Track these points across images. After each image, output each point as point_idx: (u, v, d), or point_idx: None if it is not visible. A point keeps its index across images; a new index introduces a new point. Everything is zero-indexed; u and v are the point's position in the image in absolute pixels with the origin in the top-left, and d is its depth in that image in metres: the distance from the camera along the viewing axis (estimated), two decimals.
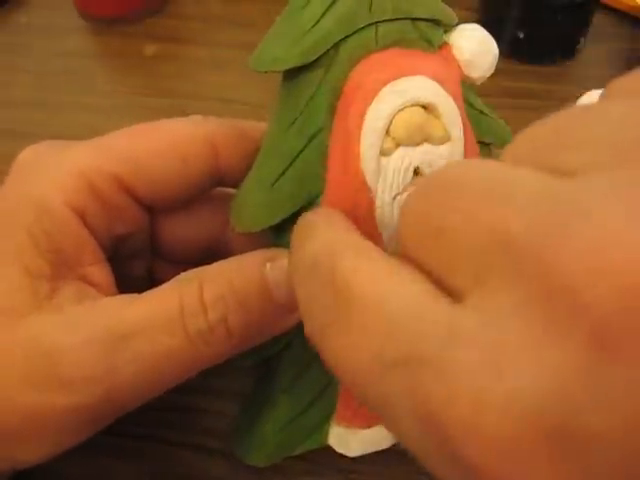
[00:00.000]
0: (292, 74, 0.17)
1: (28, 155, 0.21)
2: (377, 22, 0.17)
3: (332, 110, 0.17)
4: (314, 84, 0.17)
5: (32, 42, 0.44)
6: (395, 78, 0.17)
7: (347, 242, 0.13)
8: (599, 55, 0.41)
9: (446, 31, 0.18)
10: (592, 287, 0.08)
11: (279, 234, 0.19)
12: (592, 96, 0.17)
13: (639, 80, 0.12)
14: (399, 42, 0.17)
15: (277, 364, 0.21)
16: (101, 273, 0.20)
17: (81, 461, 0.23)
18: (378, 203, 0.17)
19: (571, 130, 0.11)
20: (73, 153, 0.20)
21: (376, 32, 0.17)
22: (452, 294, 0.11)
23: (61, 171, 0.19)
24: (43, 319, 0.18)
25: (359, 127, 0.17)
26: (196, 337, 0.17)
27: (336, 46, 0.17)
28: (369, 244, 0.13)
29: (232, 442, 0.23)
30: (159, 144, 0.20)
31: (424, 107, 0.17)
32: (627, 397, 0.08)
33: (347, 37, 0.17)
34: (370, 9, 0.17)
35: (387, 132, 0.17)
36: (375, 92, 0.17)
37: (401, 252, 0.13)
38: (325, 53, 0.17)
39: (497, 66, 0.19)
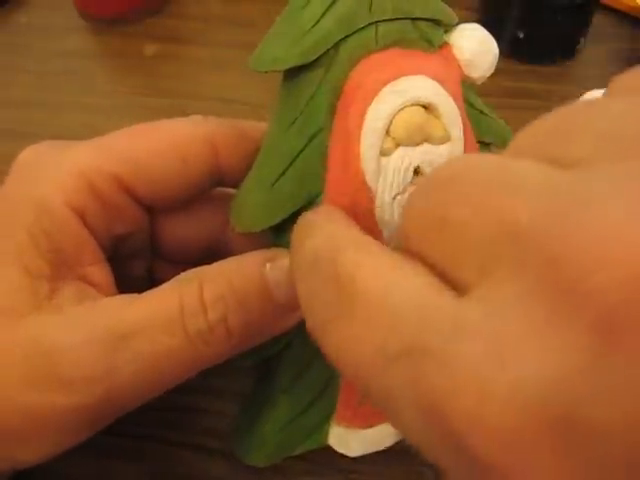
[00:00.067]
0: (292, 74, 0.17)
1: (28, 155, 0.21)
2: (377, 22, 0.17)
3: (332, 110, 0.17)
4: (314, 84, 0.17)
5: (32, 42, 0.44)
6: (395, 78, 0.17)
7: (348, 237, 0.13)
8: (599, 55, 0.41)
9: (446, 31, 0.18)
10: (594, 278, 0.08)
11: (279, 234, 0.19)
12: (593, 96, 0.17)
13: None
14: (399, 42, 0.17)
15: (277, 364, 0.21)
16: (101, 273, 0.20)
17: (81, 461, 0.23)
18: (378, 203, 0.17)
19: (573, 124, 0.11)
20: (73, 153, 0.20)
21: (376, 32, 0.17)
22: (456, 287, 0.11)
23: (61, 171, 0.19)
24: (43, 319, 0.18)
25: (359, 127, 0.17)
26: (196, 337, 0.17)
27: (336, 46, 0.17)
28: (370, 239, 0.13)
29: (232, 442, 0.23)
30: (159, 144, 0.20)
31: (424, 107, 0.17)
32: (628, 390, 0.08)
33: (347, 37, 0.17)
34: (370, 9, 0.17)
35: (387, 132, 0.17)
36: (375, 92, 0.17)
37: (404, 247, 0.13)
38: (325, 53, 0.17)
39: (497, 66, 0.19)
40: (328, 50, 0.17)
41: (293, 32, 0.17)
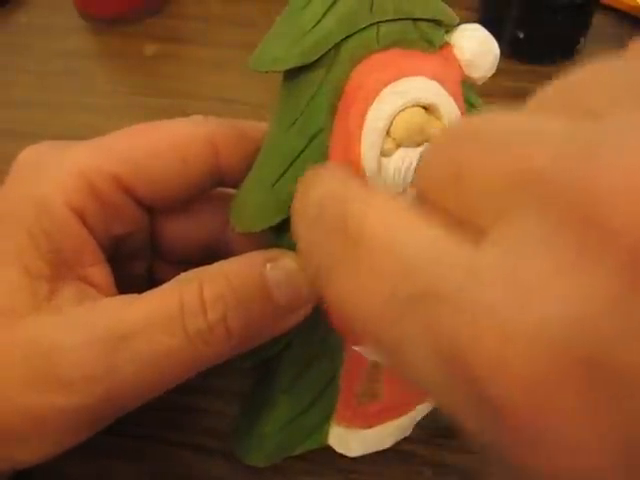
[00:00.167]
0: (293, 74, 0.17)
1: (28, 155, 0.21)
2: (378, 22, 0.17)
3: (333, 110, 0.17)
4: (315, 84, 0.17)
5: (32, 42, 0.44)
6: (396, 79, 0.17)
7: (357, 188, 0.13)
8: (599, 55, 0.41)
9: (447, 31, 0.18)
10: (625, 216, 0.08)
11: (279, 234, 0.19)
12: None
13: None
14: (400, 42, 0.17)
15: (277, 364, 0.21)
16: (101, 273, 0.20)
17: (81, 461, 0.23)
18: None
19: (589, 80, 0.11)
20: (73, 153, 0.20)
21: (377, 32, 0.17)
22: (473, 237, 0.10)
23: (61, 171, 0.19)
24: (42, 320, 0.18)
25: (360, 127, 0.17)
26: (196, 337, 0.17)
27: (337, 46, 0.17)
28: (379, 191, 0.13)
29: (232, 442, 0.23)
30: (159, 144, 0.20)
31: (425, 108, 0.17)
32: None
33: (348, 37, 0.17)
34: (371, 9, 0.17)
35: (388, 133, 0.17)
36: (376, 92, 0.17)
37: (418, 201, 0.12)
38: (326, 53, 0.17)
39: (497, 66, 0.19)
40: (329, 50, 0.17)
41: (293, 32, 0.17)
